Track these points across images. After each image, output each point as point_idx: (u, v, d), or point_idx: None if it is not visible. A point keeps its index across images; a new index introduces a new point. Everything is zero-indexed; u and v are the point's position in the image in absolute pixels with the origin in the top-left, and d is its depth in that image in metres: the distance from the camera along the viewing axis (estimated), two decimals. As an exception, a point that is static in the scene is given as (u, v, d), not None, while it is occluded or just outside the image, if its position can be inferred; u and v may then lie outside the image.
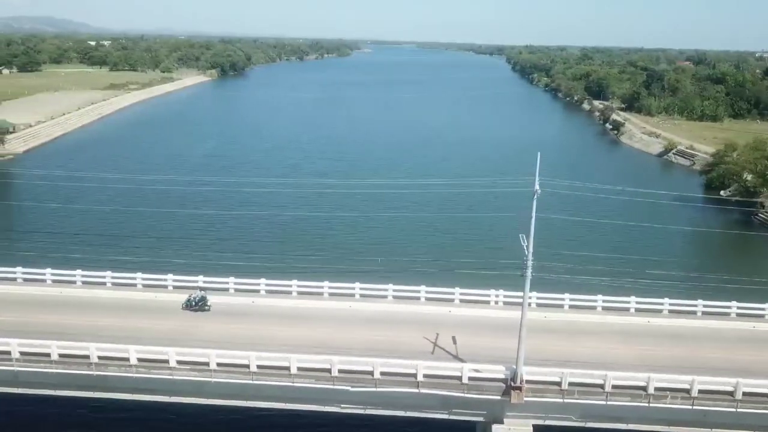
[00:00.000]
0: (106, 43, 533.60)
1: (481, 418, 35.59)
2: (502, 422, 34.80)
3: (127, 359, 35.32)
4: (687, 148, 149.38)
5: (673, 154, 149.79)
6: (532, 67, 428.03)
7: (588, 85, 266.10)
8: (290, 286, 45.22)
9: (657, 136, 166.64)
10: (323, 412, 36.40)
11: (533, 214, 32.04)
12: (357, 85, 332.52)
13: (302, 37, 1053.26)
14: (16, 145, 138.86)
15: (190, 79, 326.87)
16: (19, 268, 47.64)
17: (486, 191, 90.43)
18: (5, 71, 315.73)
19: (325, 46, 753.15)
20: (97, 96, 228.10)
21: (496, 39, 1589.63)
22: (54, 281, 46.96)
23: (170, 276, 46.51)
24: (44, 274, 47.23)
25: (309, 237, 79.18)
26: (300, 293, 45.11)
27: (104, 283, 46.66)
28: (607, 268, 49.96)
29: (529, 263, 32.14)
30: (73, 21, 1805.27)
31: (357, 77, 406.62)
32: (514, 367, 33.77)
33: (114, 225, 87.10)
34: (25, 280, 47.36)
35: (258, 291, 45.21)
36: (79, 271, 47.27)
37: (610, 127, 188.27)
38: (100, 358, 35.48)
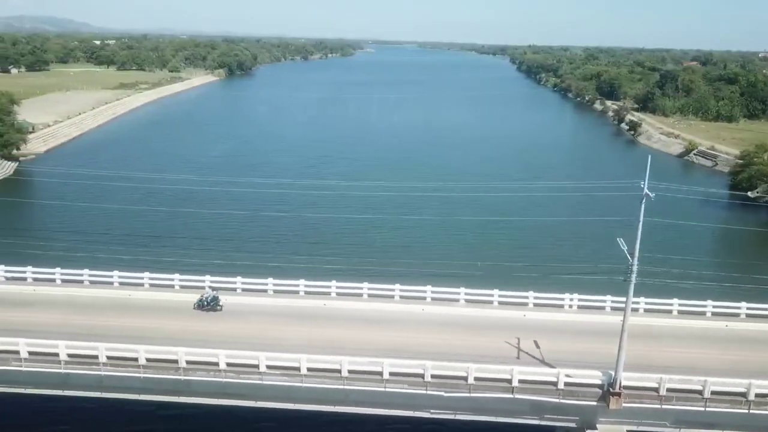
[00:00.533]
0: (110, 42, 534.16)
1: (573, 424, 35.22)
2: (595, 428, 34.45)
3: (216, 363, 34.95)
4: (708, 148, 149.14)
5: (694, 154, 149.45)
6: (538, 67, 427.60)
7: (599, 85, 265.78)
8: (361, 288, 44.84)
9: (676, 137, 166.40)
10: (413, 417, 36.02)
11: (641, 218, 31.68)
12: (365, 85, 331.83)
13: (303, 36, 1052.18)
14: (36, 145, 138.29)
15: (199, 79, 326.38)
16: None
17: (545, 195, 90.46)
18: (14, 71, 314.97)
19: (329, 45, 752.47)
20: (108, 96, 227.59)
21: (497, 39, 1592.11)
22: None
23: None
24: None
25: (375, 239, 79.15)
26: (370, 296, 44.71)
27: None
28: (678, 270, 49.52)
29: (634, 268, 31.76)
30: (75, 20, 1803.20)
31: (363, 77, 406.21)
32: (611, 372, 33.42)
33: (146, 224, 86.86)
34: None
35: (329, 293, 44.81)
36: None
37: (627, 127, 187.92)
38: (188, 362, 35.09)
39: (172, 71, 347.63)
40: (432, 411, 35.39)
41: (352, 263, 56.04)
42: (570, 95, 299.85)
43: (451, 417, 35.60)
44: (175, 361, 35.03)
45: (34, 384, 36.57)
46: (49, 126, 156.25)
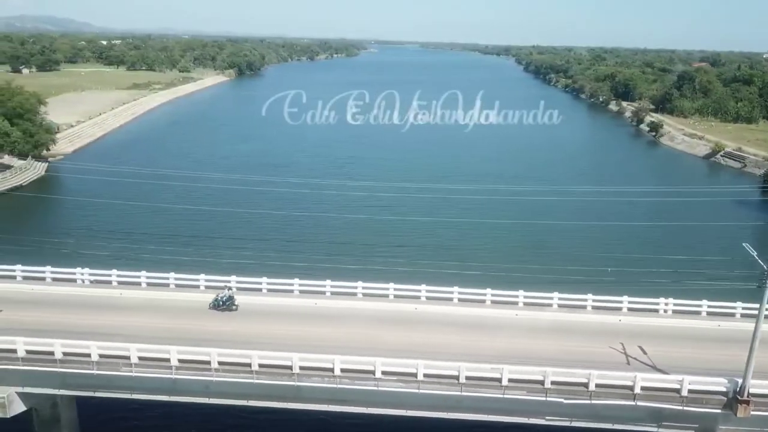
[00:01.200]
0: (116, 42, 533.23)
1: (692, 431, 34.72)
2: (714, 436, 33.98)
3: (332, 369, 34.49)
4: (734, 150, 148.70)
5: (722, 156, 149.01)
6: (548, 67, 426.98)
7: (613, 86, 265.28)
8: (451, 292, 44.28)
9: (700, 138, 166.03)
10: (527, 424, 35.50)
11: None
12: (378, 85, 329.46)
13: (303, 37, 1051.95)
14: (63, 145, 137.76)
15: (210, 79, 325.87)
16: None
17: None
18: (25, 71, 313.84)
19: (334, 46, 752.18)
20: (124, 96, 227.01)
21: (498, 39, 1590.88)
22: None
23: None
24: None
25: (467, 243, 78.81)
26: (461, 300, 44.17)
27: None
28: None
29: (772, 274, 31.25)
30: (75, 20, 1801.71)
31: (374, 77, 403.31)
32: (737, 379, 32.91)
33: (187, 224, 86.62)
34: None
35: (419, 297, 44.29)
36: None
37: (648, 128, 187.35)
38: (302, 368, 34.57)
39: (182, 71, 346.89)
40: (548, 417, 34.88)
41: (442, 266, 54.92)
42: (583, 96, 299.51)
43: (567, 424, 35.07)
44: (289, 367, 34.54)
45: (144, 390, 36.15)
46: (72, 126, 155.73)
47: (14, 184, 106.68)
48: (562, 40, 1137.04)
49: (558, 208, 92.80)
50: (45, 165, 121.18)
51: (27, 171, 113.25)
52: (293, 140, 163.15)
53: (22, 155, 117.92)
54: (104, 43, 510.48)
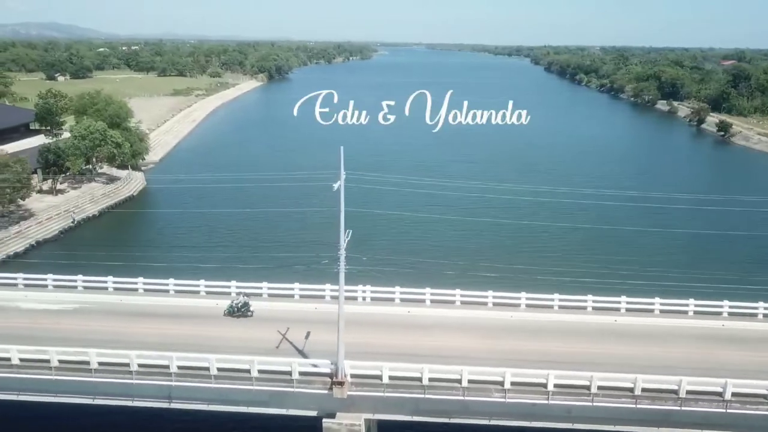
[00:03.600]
0: (135, 47, 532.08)
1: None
2: None
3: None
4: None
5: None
6: (575, 68, 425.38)
7: (659, 85, 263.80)
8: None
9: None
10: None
11: None
12: (405, 87, 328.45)
13: (308, 40, 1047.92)
14: (151, 153, 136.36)
15: (246, 84, 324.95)
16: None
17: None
18: (60, 78, 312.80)
19: (348, 49, 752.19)
20: (173, 102, 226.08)
21: (504, 40, 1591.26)
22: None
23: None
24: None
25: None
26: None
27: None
28: None
29: None
30: (80, 26, 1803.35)
31: (396, 79, 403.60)
32: None
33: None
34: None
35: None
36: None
37: (716, 129, 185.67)
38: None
39: (213, 76, 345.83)
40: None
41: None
42: (623, 96, 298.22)
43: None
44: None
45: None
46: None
47: (126, 195, 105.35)
48: (568, 39, 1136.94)
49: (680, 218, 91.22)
50: (142, 174, 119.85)
51: (133, 181, 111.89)
52: (371, 144, 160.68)
53: (122, 165, 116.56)
54: (125, 48, 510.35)
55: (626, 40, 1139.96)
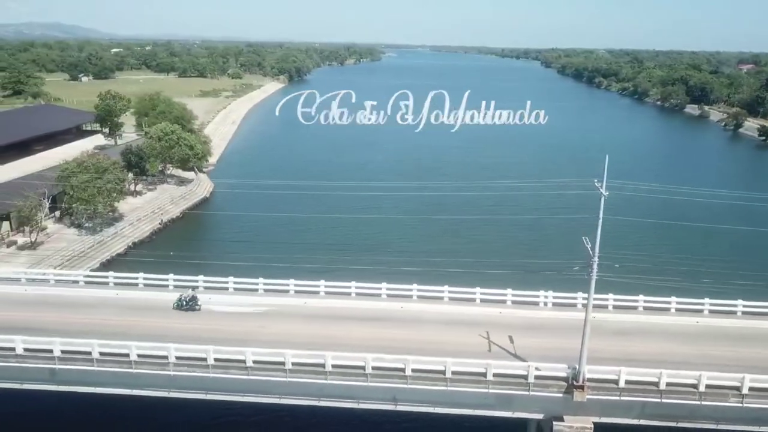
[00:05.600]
0: (147, 48, 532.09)
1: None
2: None
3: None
4: None
5: None
6: (593, 71, 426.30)
7: (688, 89, 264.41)
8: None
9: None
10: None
11: None
12: (421, 88, 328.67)
13: (313, 41, 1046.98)
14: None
15: (271, 85, 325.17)
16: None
17: None
18: (84, 78, 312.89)
19: (358, 51, 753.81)
20: (206, 104, 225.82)
21: (507, 42, 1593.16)
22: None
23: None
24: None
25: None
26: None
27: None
28: None
29: None
30: (82, 27, 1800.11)
31: (414, 81, 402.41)
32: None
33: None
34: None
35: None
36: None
37: (756, 134, 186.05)
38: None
39: (234, 77, 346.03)
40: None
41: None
42: (648, 100, 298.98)
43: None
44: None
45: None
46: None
47: (201, 197, 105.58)
48: (570, 42, 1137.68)
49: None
50: (206, 176, 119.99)
51: (203, 183, 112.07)
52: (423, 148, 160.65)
53: (187, 168, 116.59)
54: (138, 49, 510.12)
55: (628, 43, 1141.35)
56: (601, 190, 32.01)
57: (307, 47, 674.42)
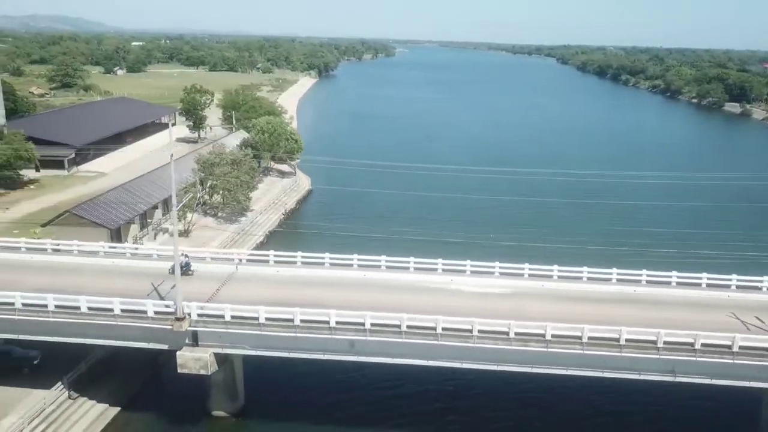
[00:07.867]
0: (167, 42, 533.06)
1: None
2: None
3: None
4: None
5: None
6: (618, 68, 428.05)
7: (726, 87, 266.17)
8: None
9: None
10: None
11: None
12: (455, 84, 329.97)
13: (319, 36, 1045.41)
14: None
15: (305, 80, 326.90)
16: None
17: None
18: (119, 72, 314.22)
19: (373, 46, 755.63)
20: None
21: (515, 39, 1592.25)
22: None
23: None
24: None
25: None
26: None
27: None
28: None
29: None
30: (87, 20, 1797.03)
31: (446, 75, 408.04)
32: None
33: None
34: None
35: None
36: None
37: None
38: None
39: (264, 72, 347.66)
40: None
41: None
42: (681, 98, 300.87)
43: None
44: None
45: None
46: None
47: (308, 188, 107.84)
48: (578, 39, 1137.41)
49: None
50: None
51: (303, 175, 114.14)
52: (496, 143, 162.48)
53: (279, 160, 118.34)
54: (161, 42, 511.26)
55: (637, 41, 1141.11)
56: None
57: (321, 42, 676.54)
